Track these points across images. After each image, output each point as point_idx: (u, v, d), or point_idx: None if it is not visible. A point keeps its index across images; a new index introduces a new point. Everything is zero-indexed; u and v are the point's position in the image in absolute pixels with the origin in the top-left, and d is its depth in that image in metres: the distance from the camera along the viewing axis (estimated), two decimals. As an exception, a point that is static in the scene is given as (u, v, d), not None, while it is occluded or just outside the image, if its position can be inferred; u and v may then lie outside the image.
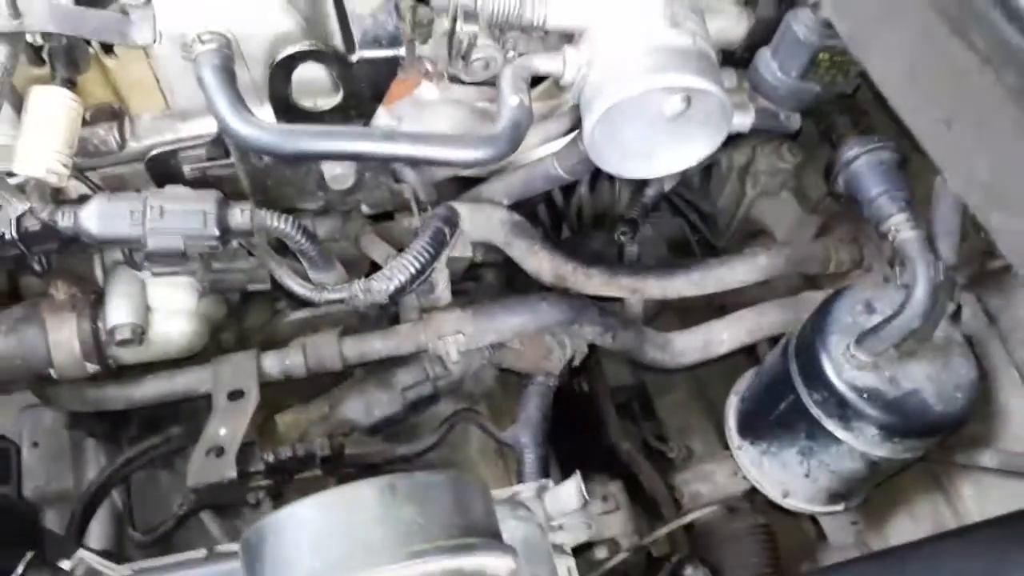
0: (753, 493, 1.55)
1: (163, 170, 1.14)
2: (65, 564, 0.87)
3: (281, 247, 1.21)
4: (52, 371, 1.21)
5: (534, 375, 1.51)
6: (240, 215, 1.06)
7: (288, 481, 1.32)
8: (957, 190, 0.78)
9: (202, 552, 0.91)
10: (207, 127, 1.14)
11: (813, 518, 1.65)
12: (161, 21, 1.00)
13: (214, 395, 1.29)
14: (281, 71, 1.04)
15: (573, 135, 1.25)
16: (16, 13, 0.94)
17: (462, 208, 1.32)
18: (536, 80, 1.32)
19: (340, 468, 1.34)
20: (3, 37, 0.96)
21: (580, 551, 1.47)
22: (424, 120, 1.26)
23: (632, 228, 1.57)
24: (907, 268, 1.13)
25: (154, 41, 1.01)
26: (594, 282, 1.48)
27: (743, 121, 1.20)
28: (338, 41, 1.06)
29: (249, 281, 1.21)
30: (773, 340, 1.48)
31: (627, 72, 1.04)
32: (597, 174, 1.79)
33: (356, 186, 1.22)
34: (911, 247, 1.13)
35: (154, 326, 1.23)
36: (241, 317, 1.42)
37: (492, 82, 1.16)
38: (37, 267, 1.11)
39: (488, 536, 0.66)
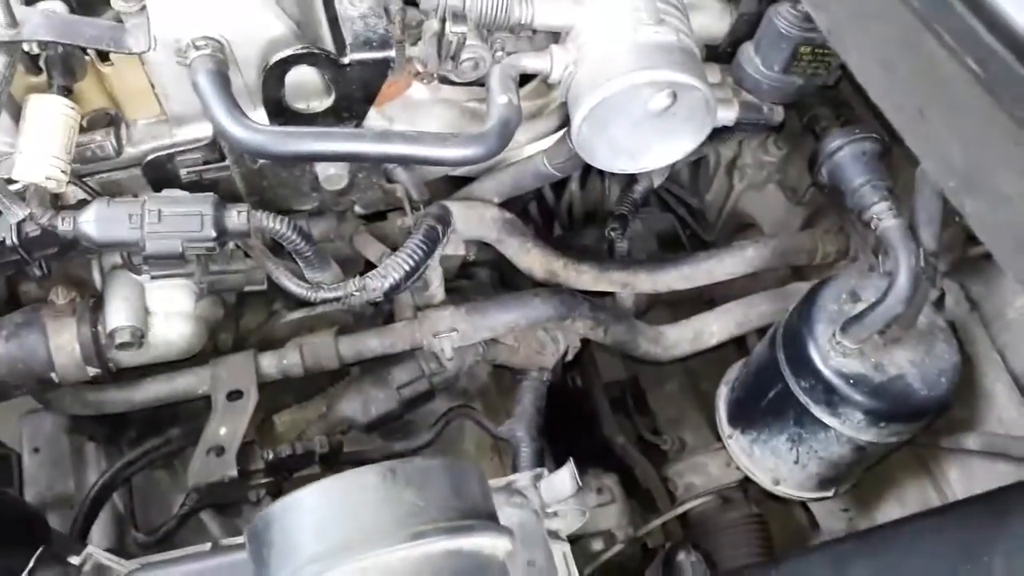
0: (746, 483, 1.58)
1: (160, 174, 1.16)
2: (74, 560, 0.89)
3: (277, 248, 1.23)
4: (54, 375, 1.23)
5: (528, 370, 1.53)
6: (237, 217, 1.07)
7: (288, 479, 1.35)
8: (934, 177, 0.81)
9: (207, 546, 0.93)
10: (202, 131, 1.16)
11: (805, 507, 1.67)
12: (155, 28, 1.02)
13: (213, 396, 1.31)
14: (274, 74, 1.06)
15: (562, 133, 1.27)
16: (13, 22, 0.96)
17: (454, 207, 1.34)
18: (524, 79, 1.34)
19: (338, 465, 1.36)
20: (1, 46, 0.97)
21: (576, 543, 1.50)
22: (415, 120, 1.28)
23: (622, 224, 1.59)
24: (889, 256, 1.16)
25: (149, 48, 1.03)
26: (585, 277, 1.51)
27: (727, 115, 1.22)
28: (329, 44, 1.08)
29: (246, 282, 1.23)
30: (762, 331, 1.51)
31: (613, 69, 1.07)
32: (587, 172, 1.81)
33: (350, 186, 1.24)
34: (893, 235, 1.15)
35: (153, 329, 1.25)
36: (238, 319, 1.44)
37: (481, 82, 1.18)
38: (37, 272, 1.13)
39: (485, 518, 0.68)
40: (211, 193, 1.09)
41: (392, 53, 1.06)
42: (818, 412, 1.24)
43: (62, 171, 1.02)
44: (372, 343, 1.37)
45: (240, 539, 0.82)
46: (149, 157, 1.14)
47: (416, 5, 1.16)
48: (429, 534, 0.63)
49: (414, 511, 0.64)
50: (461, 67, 1.19)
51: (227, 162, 1.17)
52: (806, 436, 1.29)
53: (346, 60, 1.06)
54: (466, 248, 1.41)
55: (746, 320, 1.54)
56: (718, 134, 1.44)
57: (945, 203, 1.13)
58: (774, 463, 1.38)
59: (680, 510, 1.62)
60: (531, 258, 1.47)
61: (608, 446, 1.76)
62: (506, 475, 1.50)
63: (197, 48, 1.02)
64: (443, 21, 1.10)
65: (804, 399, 1.25)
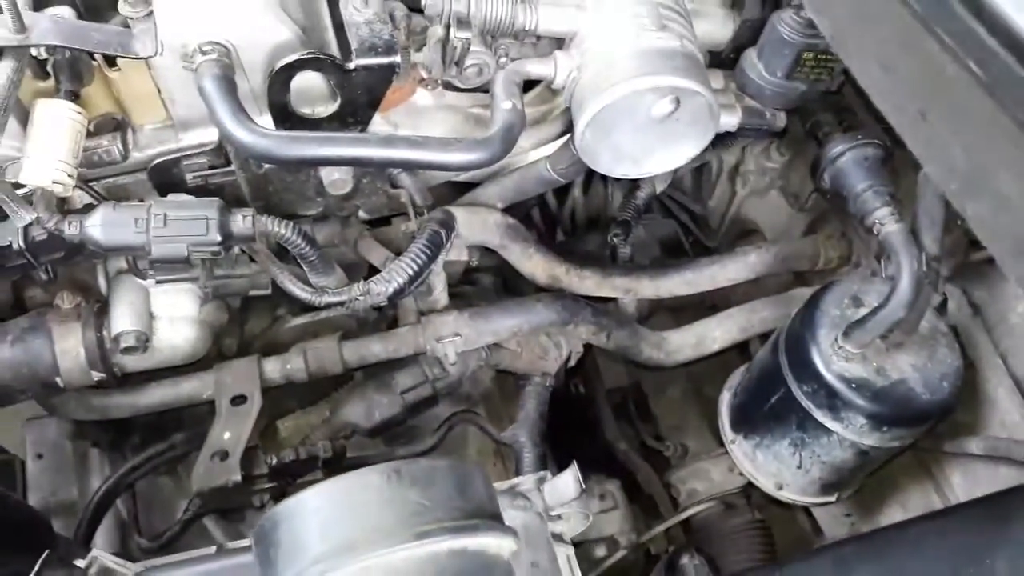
0: (749, 489, 1.58)
1: (165, 178, 1.16)
2: (79, 563, 0.89)
3: (282, 253, 1.24)
4: (59, 379, 1.23)
5: (531, 376, 1.53)
6: (242, 221, 1.08)
7: (291, 484, 1.35)
8: (935, 180, 0.81)
9: (212, 549, 0.93)
10: (208, 136, 1.16)
11: (808, 512, 1.67)
12: (162, 33, 1.03)
13: (217, 400, 1.31)
14: (280, 79, 1.06)
15: (565, 138, 1.28)
16: (21, 27, 0.97)
17: (457, 212, 1.35)
18: (528, 85, 1.35)
19: (342, 470, 1.35)
20: (9, 51, 0.98)
21: (579, 549, 1.50)
22: (420, 126, 1.29)
23: (624, 230, 1.60)
24: (892, 260, 1.16)
25: (156, 53, 1.04)
26: (588, 283, 1.51)
27: (730, 121, 1.23)
28: (335, 50, 1.09)
29: (251, 287, 1.23)
30: (764, 337, 1.51)
31: (616, 74, 1.07)
32: (590, 178, 1.82)
33: (354, 191, 1.25)
34: (895, 240, 1.16)
35: (158, 333, 1.26)
36: (243, 324, 1.45)
37: (486, 88, 1.19)
38: (43, 276, 1.14)
39: (490, 518, 0.68)
40: (216, 198, 1.09)
41: (397, 59, 1.07)
42: (821, 417, 1.24)
43: (69, 175, 1.03)
44: (376, 348, 1.37)
45: (246, 542, 0.83)
46: (155, 161, 1.15)
47: (421, 12, 1.16)
48: (434, 533, 0.64)
49: (419, 511, 0.65)
50: (465, 73, 1.20)
51: (232, 167, 1.18)
52: (809, 441, 1.29)
53: (351, 65, 1.07)
54: (469, 254, 1.42)
55: (749, 326, 1.54)
56: (721, 140, 1.45)
57: (947, 208, 1.13)
58: (777, 468, 1.38)
59: (683, 516, 1.62)
60: (534, 263, 1.47)
61: (611, 452, 1.76)
62: (509, 480, 1.51)
63: (203, 53, 1.02)
64: (447, 27, 1.11)
65: (807, 404, 1.25)
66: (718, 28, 1.24)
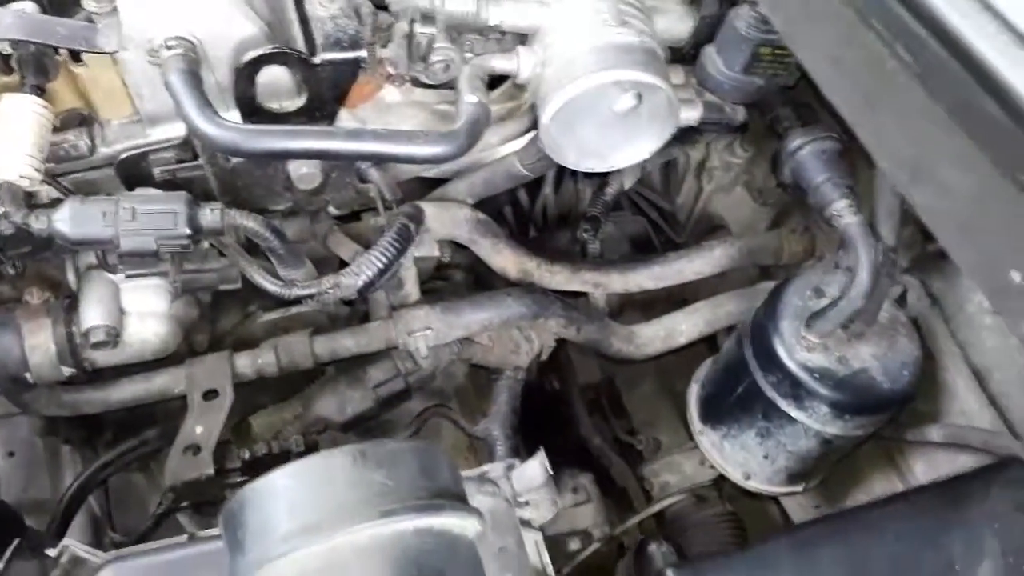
0: (721, 482, 1.60)
1: (133, 173, 1.17)
2: (50, 552, 0.89)
3: (252, 249, 1.24)
4: (28, 375, 1.23)
5: (503, 370, 1.55)
6: (210, 214, 1.09)
7: (263, 478, 1.35)
8: (884, 169, 0.84)
9: (184, 538, 0.93)
10: (176, 131, 1.17)
11: (779, 504, 1.70)
12: (127, 28, 1.04)
13: (189, 395, 1.31)
14: (246, 74, 1.07)
15: (534, 133, 1.30)
16: (-15, 22, 0.98)
17: (427, 207, 1.36)
18: (497, 83, 1.37)
19: (314, 464, 1.36)
20: (-27, 46, 0.99)
21: (553, 542, 1.51)
22: (388, 122, 1.30)
23: (594, 225, 1.62)
24: (850, 251, 1.19)
25: (120, 48, 1.04)
26: (558, 277, 1.53)
27: (691, 115, 1.25)
28: (301, 45, 1.10)
29: (220, 281, 1.24)
30: (732, 330, 1.54)
31: (578, 69, 1.10)
32: (560, 175, 1.84)
33: (323, 186, 1.26)
34: (853, 231, 1.18)
35: (128, 328, 1.26)
36: (214, 321, 1.45)
37: (453, 85, 1.21)
38: (11, 271, 1.14)
39: (455, 499, 0.70)
40: (184, 192, 1.10)
41: (363, 53, 1.08)
42: (785, 406, 1.26)
43: (36, 169, 1.03)
44: (347, 342, 1.38)
45: (216, 530, 0.83)
46: (122, 156, 1.15)
47: (386, 8, 1.18)
48: (398, 512, 0.65)
49: (384, 491, 0.66)
50: (432, 69, 1.21)
51: (200, 161, 1.18)
52: (774, 430, 1.32)
53: (317, 60, 1.08)
54: (441, 250, 1.43)
55: (715, 319, 1.57)
56: (687, 136, 1.48)
57: (904, 200, 1.16)
58: (744, 458, 1.41)
59: (655, 508, 1.64)
60: (504, 258, 1.49)
61: (585, 447, 1.77)
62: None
63: (169, 48, 1.03)
64: (412, 22, 1.12)
65: (771, 393, 1.27)
66: (677, 24, 1.26)
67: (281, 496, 0.67)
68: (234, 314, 1.46)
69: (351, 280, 1.20)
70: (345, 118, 1.24)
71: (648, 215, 1.93)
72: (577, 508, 1.60)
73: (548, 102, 1.12)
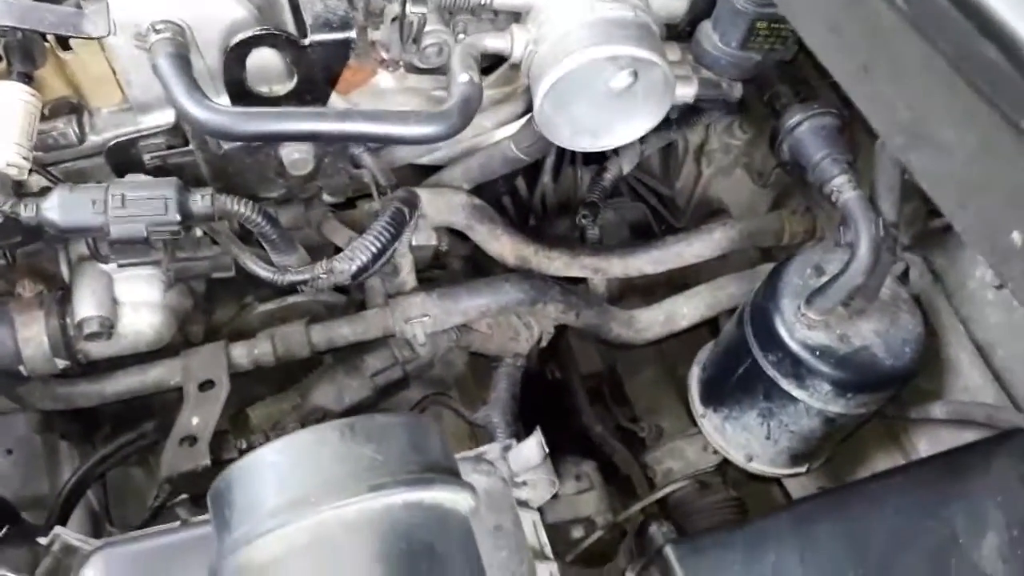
0: (724, 467, 1.59)
1: (123, 159, 1.16)
2: (41, 540, 0.89)
3: (245, 237, 1.23)
4: (22, 368, 1.22)
5: (503, 357, 1.54)
6: (201, 200, 1.08)
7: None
8: (881, 134, 0.83)
9: (175, 524, 0.92)
10: (166, 118, 1.16)
11: (783, 488, 1.68)
12: (115, 13, 1.03)
13: (185, 386, 1.30)
14: (235, 57, 1.06)
15: (528, 116, 1.28)
16: (-29, 8, 0.97)
17: (423, 193, 1.35)
18: (491, 68, 1.36)
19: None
20: (-41, 33, 0.98)
21: (556, 530, 1.50)
22: (381, 108, 1.29)
23: (592, 211, 1.61)
24: (850, 227, 1.17)
25: (108, 33, 1.03)
26: (556, 263, 1.52)
27: (686, 91, 1.24)
28: (291, 27, 1.09)
29: (213, 268, 1.23)
30: (733, 313, 1.52)
31: (571, 45, 1.08)
32: (560, 163, 1.83)
33: (316, 171, 1.25)
34: (853, 206, 1.17)
35: (122, 319, 1.25)
36: (209, 312, 1.44)
37: (446, 70, 1.19)
38: (1, 260, 1.13)
39: (446, 473, 0.68)
40: (174, 178, 1.09)
41: (352, 34, 1.07)
42: (786, 385, 1.25)
43: (24, 158, 1.02)
44: (344, 330, 1.37)
45: (207, 516, 0.82)
46: (112, 143, 1.14)
47: (378, -8, 1.17)
48: (388, 486, 0.64)
49: (373, 465, 0.65)
50: (425, 52, 1.20)
51: (191, 147, 1.17)
52: (776, 410, 1.30)
53: (307, 42, 1.07)
54: (438, 238, 1.42)
55: (716, 302, 1.55)
56: (685, 117, 1.47)
57: (904, 174, 1.15)
58: (746, 439, 1.39)
59: (658, 495, 1.63)
60: (501, 244, 1.48)
61: (587, 435, 1.76)
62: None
63: (157, 32, 1.02)
64: (403, 3, 1.11)
65: (772, 373, 1.26)
66: (674, 0, 1.24)
67: (268, 472, 0.66)
68: (229, 305, 1.46)
69: (345, 265, 1.19)
70: (339, 104, 1.22)
71: (647, 201, 1.91)
72: (580, 496, 1.60)
73: (542, 79, 1.10)
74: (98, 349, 1.26)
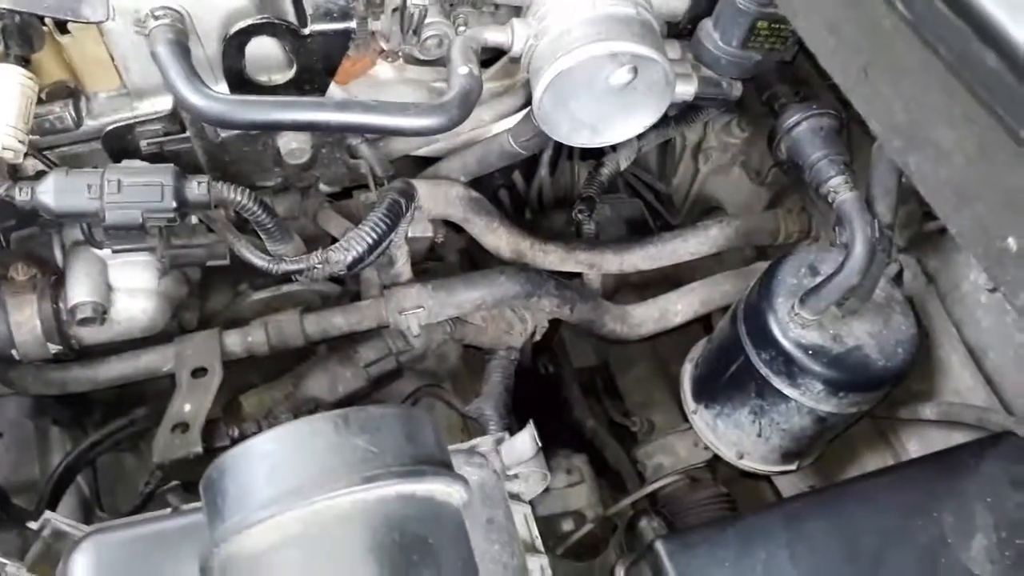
0: (715, 463, 1.59)
1: (120, 145, 1.16)
2: (32, 525, 0.88)
3: (240, 225, 1.23)
4: (14, 351, 1.22)
5: (496, 350, 1.54)
6: (197, 187, 1.08)
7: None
8: (879, 136, 0.83)
9: (167, 511, 0.92)
10: (163, 104, 1.16)
11: (773, 485, 1.69)
12: (114, -2, 1.02)
13: (177, 373, 1.30)
14: (234, 45, 1.06)
15: (527, 110, 1.28)
16: (-32, -10, 0.96)
17: (420, 185, 1.35)
18: (491, 62, 1.36)
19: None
20: (-44, 15, 0.97)
21: (546, 523, 1.51)
22: (381, 99, 1.28)
23: (589, 206, 1.61)
24: (846, 228, 1.18)
25: (107, 18, 1.03)
26: (552, 257, 1.52)
27: (686, 89, 1.24)
28: (291, 17, 1.08)
29: (209, 256, 1.22)
30: (727, 310, 1.53)
31: (572, 41, 1.08)
32: (557, 158, 1.83)
33: (312, 161, 1.25)
34: (849, 207, 1.17)
35: (116, 305, 1.25)
36: (203, 300, 1.44)
37: (446, 62, 1.19)
38: (-5, 244, 1.13)
39: (439, 466, 0.69)
40: (171, 164, 1.09)
41: (352, 24, 1.07)
42: (778, 383, 1.25)
43: (20, 141, 1.02)
44: (338, 320, 1.37)
45: (199, 503, 0.82)
46: (108, 128, 1.14)
47: (380, -18, 1.16)
48: (381, 478, 0.64)
49: (367, 457, 0.65)
50: (425, 44, 1.20)
51: (188, 134, 1.17)
52: (767, 408, 1.31)
53: (307, 31, 1.06)
54: (435, 230, 1.42)
55: (710, 299, 1.56)
56: (684, 114, 1.47)
57: (901, 177, 1.15)
58: (737, 436, 1.40)
59: (648, 489, 1.64)
60: (497, 237, 1.47)
61: (579, 430, 1.77)
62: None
63: (156, 18, 1.02)
64: (404, -7, 1.11)
65: (764, 371, 1.26)
66: (675, -2, 1.25)
67: (262, 462, 0.67)
68: (224, 293, 1.45)
69: (340, 255, 1.19)
70: (338, 95, 1.22)
71: (644, 197, 1.92)
72: (570, 489, 1.60)
73: (542, 74, 1.10)
74: (91, 335, 1.26)
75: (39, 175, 1.07)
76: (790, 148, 1.27)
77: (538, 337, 1.58)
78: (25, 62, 1.04)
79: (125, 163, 1.12)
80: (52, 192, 1.04)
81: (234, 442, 1.30)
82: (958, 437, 1.29)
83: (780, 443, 1.36)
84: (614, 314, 1.55)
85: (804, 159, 1.25)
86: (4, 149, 1.01)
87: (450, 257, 1.66)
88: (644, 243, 1.56)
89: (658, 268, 1.58)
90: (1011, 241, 0.69)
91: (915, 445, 1.38)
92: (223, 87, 1.12)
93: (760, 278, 1.31)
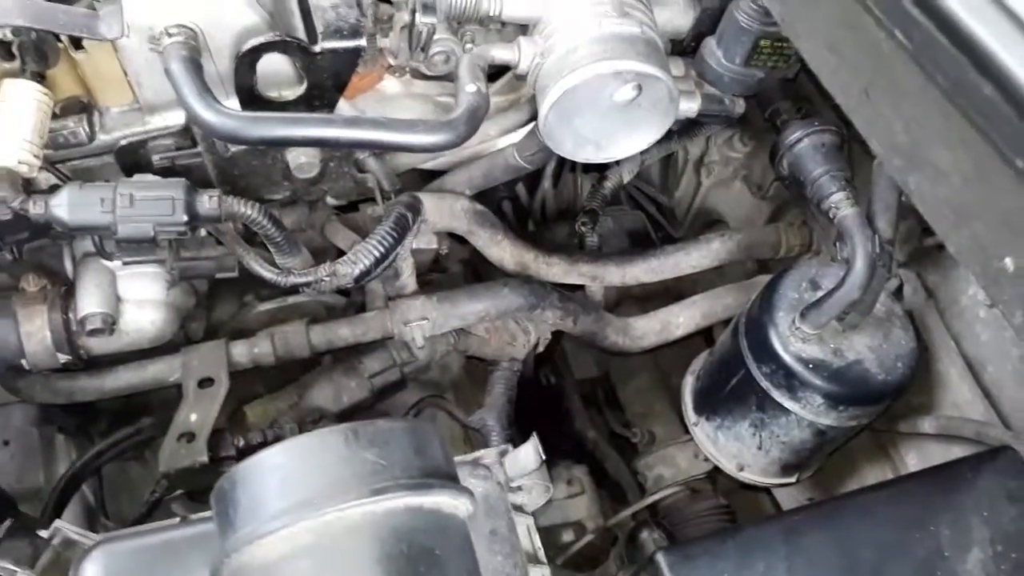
0: (715, 475, 1.60)
1: (132, 160, 1.17)
2: (42, 533, 0.90)
3: (249, 238, 1.25)
4: (24, 361, 1.23)
5: (499, 361, 1.55)
6: (208, 201, 1.09)
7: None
8: (879, 155, 0.84)
9: (175, 520, 0.94)
10: (175, 120, 1.17)
11: (772, 498, 1.70)
12: (129, 15, 1.04)
13: (184, 383, 1.31)
14: (246, 62, 1.08)
15: (532, 125, 1.30)
16: (-14, 8, 0.98)
17: (426, 198, 1.36)
18: (496, 76, 1.38)
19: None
20: (-27, 32, 0.99)
21: (546, 534, 1.52)
22: (387, 114, 1.30)
23: (592, 218, 1.62)
24: (847, 243, 1.19)
25: (122, 35, 1.05)
26: (555, 270, 1.53)
27: (690, 107, 1.26)
28: (302, 34, 1.10)
29: (218, 269, 1.24)
30: (728, 323, 1.54)
31: (577, 60, 1.10)
32: (560, 170, 1.85)
33: (321, 175, 1.26)
34: (850, 223, 1.19)
35: (124, 316, 1.26)
36: (210, 310, 1.45)
37: (453, 77, 1.21)
38: (8, 256, 1.14)
39: (446, 479, 0.70)
40: (182, 179, 1.10)
41: (362, 42, 1.09)
42: (779, 397, 1.27)
43: (34, 155, 1.04)
44: (343, 332, 1.38)
45: (208, 513, 0.83)
46: (121, 143, 1.16)
47: (389, 1, 1.18)
48: (390, 490, 0.66)
49: (375, 469, 0.66)
50: (432, 60, 1.22)
51: (199, 149, 1.19)
52: (768, 421, 1.32)
53: (317, 48, 1.08)
54: (439, 242, 1.44)
55: (712, 312, 1.57)
56: (687, 129, 1.48)
57: (901, 193, 1.17)
58: (738, 449, 1.41)
59: (648, 501, 1.65)
60: (501, 249, 1.49)
61: (580, 441, 1.78)
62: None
63: (170, 36, 1.04)
64: (413, 12, 1.13)
65: (765, 384, 1.28)
66: (679, 16, 1.26)
67: (273, 474, 0.68)
68: (231, 303, 1.47)
69: (347, 268, 1.20)
70: (345, 109, 1.24)
71: (646, 210, 1.93)
72: (571, 500, 1.61)
73: (548, 91, 1.12)
74: (100, 345, 1.27)
75: (53, 189, 1.08)
76: (792, 164, 1.29)
77: (541, 349, 1.59)
78: (40, 78, 1.06)
79: (137, 177, 1.14)
80: (66, 206, 1.05)
81: (239, 451, 1.31)
82: (957, 451, 1.30)
83: (780, 456, 1.37)
84: (616, 326, 1.56)
85: (806, 175, 1.26)
86: (19, 163, 1.03)
87: (453, 268, 1.67)
88: (646, 256, 1.57)
89: (660, 281, 1.59)
90: (1008, 261, 0.71)
91: (914, 458, 1.39)
92: (234, 102, 1.14)
93: (761, 292, 1.32)
